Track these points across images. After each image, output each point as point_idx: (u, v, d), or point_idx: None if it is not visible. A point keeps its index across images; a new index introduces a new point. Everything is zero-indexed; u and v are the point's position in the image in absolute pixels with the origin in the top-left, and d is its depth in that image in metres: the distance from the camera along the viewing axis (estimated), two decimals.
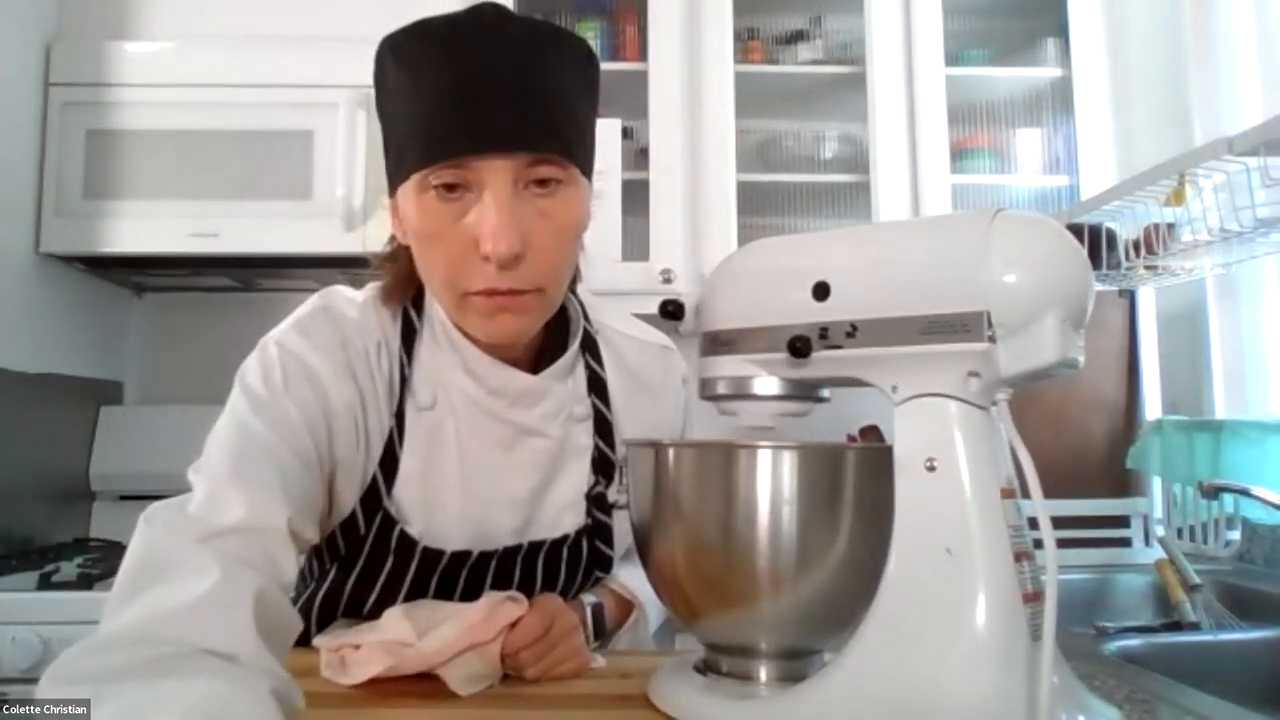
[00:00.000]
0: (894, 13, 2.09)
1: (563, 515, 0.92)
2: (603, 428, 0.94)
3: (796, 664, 0.73)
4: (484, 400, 0.87)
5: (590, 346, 0.96)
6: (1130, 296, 2.01)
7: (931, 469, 0.65)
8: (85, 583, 1.59)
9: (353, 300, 0.88)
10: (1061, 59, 2.12)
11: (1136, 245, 1.63)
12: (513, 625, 0.81)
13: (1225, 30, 1.87)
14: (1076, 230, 1.60)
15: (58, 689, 0.59)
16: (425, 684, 0.80)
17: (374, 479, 0.85)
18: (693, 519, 0.73)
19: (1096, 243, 1.68)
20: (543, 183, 0.76)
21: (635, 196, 2.01)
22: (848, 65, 2.15)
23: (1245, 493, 1.32)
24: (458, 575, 0.89)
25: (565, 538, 0.92)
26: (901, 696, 0.63)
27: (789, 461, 0.69)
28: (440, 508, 0.87)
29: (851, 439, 0.80)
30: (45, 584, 1.59)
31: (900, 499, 0.66)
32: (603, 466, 0.93)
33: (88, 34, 2.10)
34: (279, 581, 0.71)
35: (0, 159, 1.88)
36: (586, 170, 0.81)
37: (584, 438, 0.93)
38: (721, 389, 0.76)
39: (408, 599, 0.88)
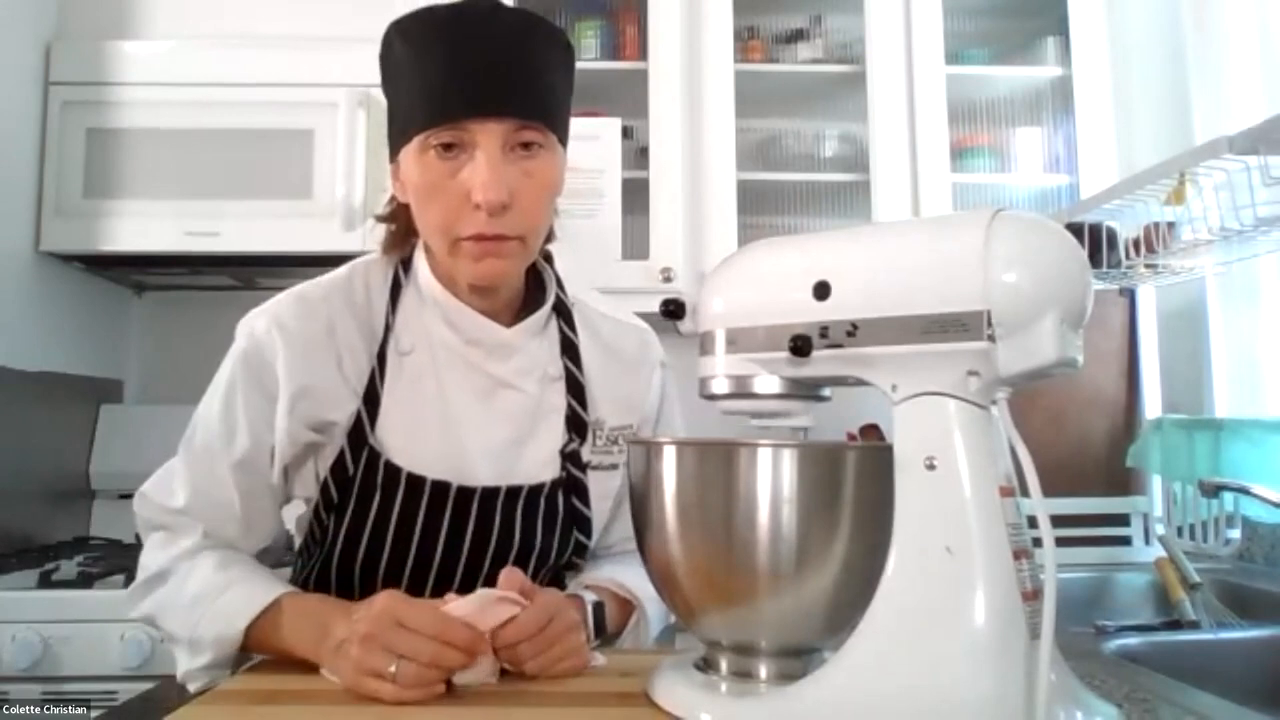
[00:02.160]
0: (894, 12, 2.09)
1: (541, 469, 0.98)
2: (575, 389, 1.00)
3: (796, 662, 0.73)
4: (462, 350, 0.96)
5: (564, 314, 1.03)
6: (1130, 295, 2.01)
7: (931, 468, 0.65)
8: (85, 581, 1.59)
9: (344, 266, 1.00)
10: (1061, 58, 2.12)
11: (1137, 244, 1.63)
12: (509, 622, 0.81)
13: (1225, 30, 1.87)
14: (1077, 229, 1.60)
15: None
16: None
17: (358, 415, 0.93)
18: (693, 517, 0.73)
19: (1097, 241, 1.68)
20: (526, 145, 0.88)
21: (635, 196, 2.01)
22: (848, 64, 2.15)
23: (1245, 491, 1.32)
24: (442, 512, 0.94)
25: (542, 486, 0.97)
26: (900, 694, 0.63)
27: (789, 460, 0.69)
28: (421, 441, 0.94)
29: (851, 437, 0.80)
30: (45, 583, 1.59)
31: (900, 497, 0.66)
32: (576, 425, 0.99)
33: (88, 34, 2.10)
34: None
35: (0, 158, 1.88)
36: (563, 141, 0.93)
37: (558, 398, 0.99)
38: (721, 388, 0.76)
39: (396, 539, 0.93)
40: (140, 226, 1.94)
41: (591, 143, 1.97)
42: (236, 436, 0.93)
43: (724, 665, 0.75)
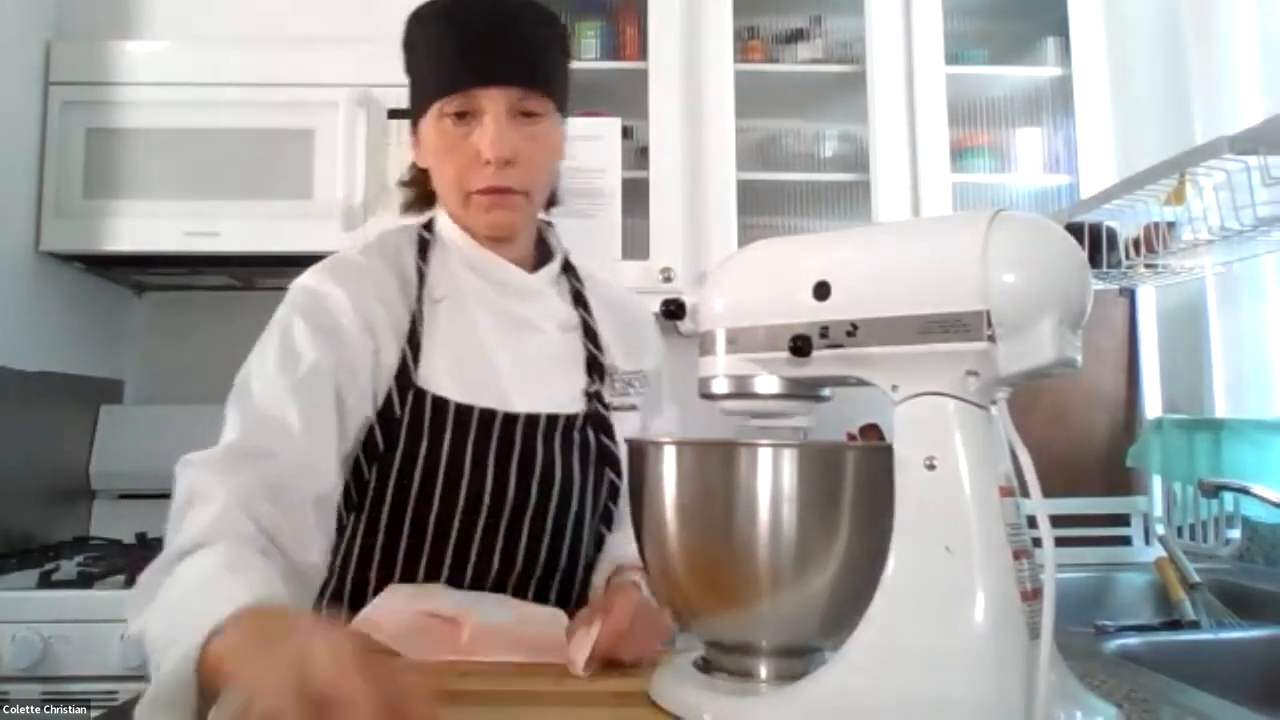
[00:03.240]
0: (894, 12, 2.09)
1: (570, 404, 1.06)
2: (590, 336, 1.10)
3: (797, 661, 0.73)
4: (489, 293, 1.05)
5: (572, 272, 1.14)
6: (1130, 295, 2.01)
7: (931, 467, 0.65)
8: (85, 581, 1.59)
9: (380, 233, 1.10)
10: (1061, 58, 2.12)
11: (1137, 244, 1.63)
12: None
13: (1225, 29, 1.87)
14: (1077, 229, 1.60)
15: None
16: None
17: (403, 358, 0.99)
18: (693, 517, 0.73)
19: (1097, 241, 1.68)
20: (528, 114, 1.00)
21: (635, 196, 2.01)
22: (848, 64, 2.15)
23: (1245, 491, 1.32)
24: (488, 441, 0.99)
25: (575, 418, 1.04)
26: (900, 693, 0.64)
27: (789, 460, 0.69)
28: (463, 378, 1.00)
29: (851, 437, 0.80)
30: (45, 583, 1.59)
31: (900, 497, 0.66)
32: (595, 368, 1.08)
33: (88, 33, 2.10)
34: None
35: (0, 158, 1.88)
36: (563, 110, 1.05)
37: (576, 343, 1.09)
38: (721, 388, 0.76)
39: (448, 474, 0.97)
40: (140, 226, 1.94)
41: (591, 143, 1.97)
42: (301, 359, 0.92)
43: (724, 665, 0.75)
